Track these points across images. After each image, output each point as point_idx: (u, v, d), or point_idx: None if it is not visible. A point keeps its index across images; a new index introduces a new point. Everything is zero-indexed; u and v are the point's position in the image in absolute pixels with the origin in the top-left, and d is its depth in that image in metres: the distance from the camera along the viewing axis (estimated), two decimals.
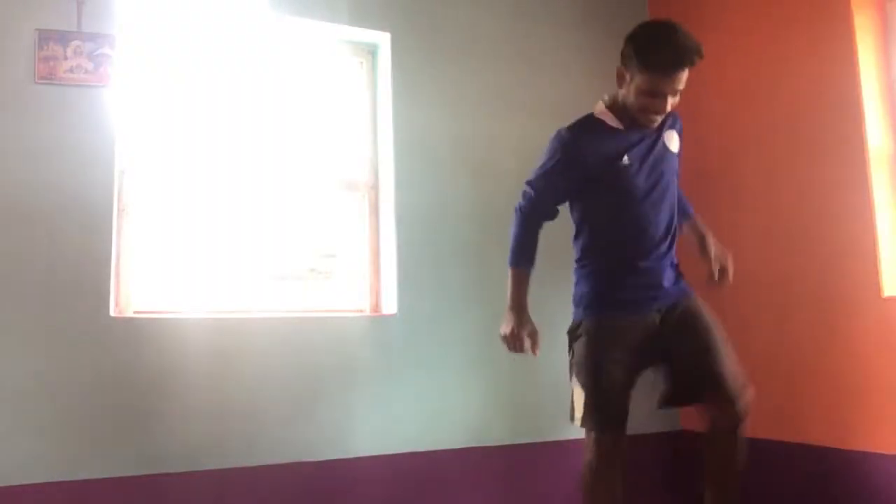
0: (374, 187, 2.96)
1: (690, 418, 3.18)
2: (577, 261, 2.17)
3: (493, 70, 3.09)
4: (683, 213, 2.26)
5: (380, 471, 2.64)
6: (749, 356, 2.87)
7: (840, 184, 2.54)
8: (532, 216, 2.11)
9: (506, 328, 2.08)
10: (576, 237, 2.17)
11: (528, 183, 2.13)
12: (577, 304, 2.15)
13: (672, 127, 2.14)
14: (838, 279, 2.53)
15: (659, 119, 2.03)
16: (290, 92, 2.92)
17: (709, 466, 2.13)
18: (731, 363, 2.07)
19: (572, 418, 2.07)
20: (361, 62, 3.04)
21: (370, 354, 2.71)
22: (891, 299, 2.38)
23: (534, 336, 2.08)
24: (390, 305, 2.82)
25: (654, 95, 1.94)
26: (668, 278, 2.10)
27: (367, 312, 2.87)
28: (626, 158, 2.02)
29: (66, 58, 2.40)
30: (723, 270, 2.18)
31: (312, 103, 2.95)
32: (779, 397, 2.76)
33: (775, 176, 2.80)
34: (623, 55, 2.00)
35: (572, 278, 2.17)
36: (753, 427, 2.85)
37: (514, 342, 2.08)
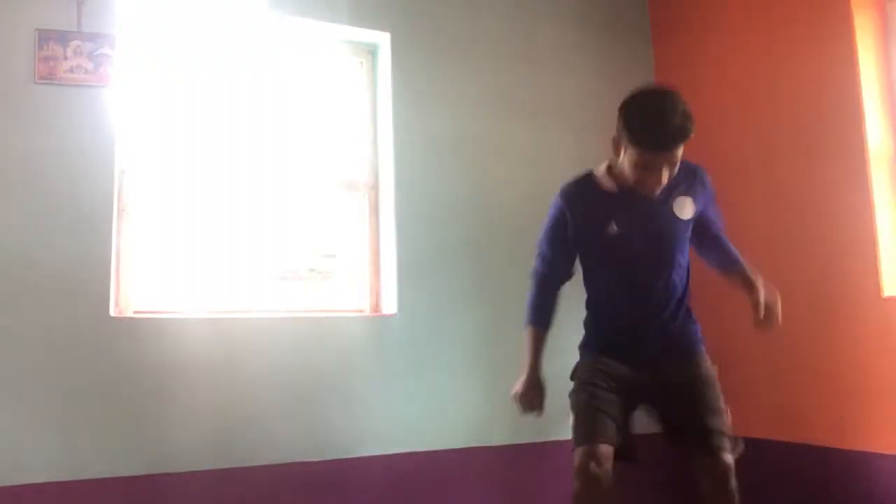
0: (374, 187, 2.96)
1: None
2: (586, 305, 2.19)
3: (493, 70, 3.09)
4: (731, 263, 2.18)
5: (380, 471, 2.64)
6: (749, 356, 2.88)
7: (840, 184, 2.54)
8: (544, 278, 2.14)
9: (517, 388, 2.13)
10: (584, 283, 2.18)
11: (537, 246, 2.15)
12: (579, 348, 2.23)
13: (687, 192, 2.01)
14: (838, 279, 2.53)
15: (658, 190, 1.92)
16: (290, 92, 2.92)
17: None
18: (718, 422, 2.03)
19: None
20: (361, 62, 3.04)
21: (370, 354, 2.71)
22: (891, 299, 2.38)
23: (542, 396, 2.16)
24: (390, 305, 2.82)
25: (648, 169, 1.85)
26: (668, 347, 2.06)
27: (367, 312, 2.87)
28: (613, 225, 1.97)
29: (66, 58, 2.40)
30: (769, 314, 2.08)
31: (312, 103, 2.95)
32: (779, 397, 2.76)
33: (775, 176, 2.80)
34: (617, 124, 1.91)
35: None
36: (753, 427, 2.85)
37: (523, 403, 2.13)
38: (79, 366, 2.31)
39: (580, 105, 3.23)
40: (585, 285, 2.15)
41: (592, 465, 1.90)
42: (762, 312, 2.07)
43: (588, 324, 2.19)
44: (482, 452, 2.81)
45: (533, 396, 2.11)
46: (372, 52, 3.04)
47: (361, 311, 2.87)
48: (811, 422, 2.62)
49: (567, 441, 2.89)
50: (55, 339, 2.30)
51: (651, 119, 1.82)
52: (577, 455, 1.97)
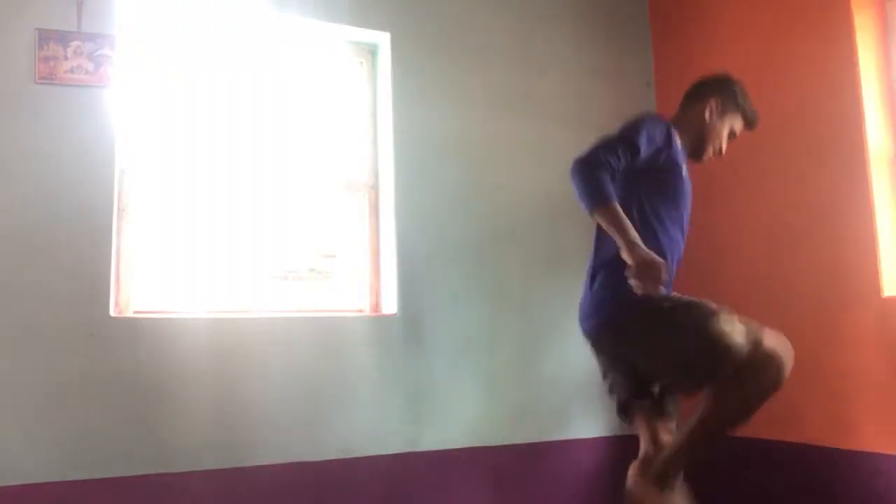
0: (374, 187, 2.96)
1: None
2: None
3: (494, 70, 3.09)
4: None
5: (380, 471, 2.64)
6: None
7: (840, 184, 2.54)
8: (611, 169, 1.93)
9: (644, 257, 1.82)
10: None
11: (618, 138, 1.99)
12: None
13: None
14: (838, 279, 2.53)
15: (711, 158, 2.27)
16: (290, 92, 2.92)
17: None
18: None
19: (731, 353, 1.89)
20: (361, 62, 3.04)
21: (370, 354, 2.71)
22: (891, 299, 2.38)
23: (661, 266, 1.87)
24: (390, 305, 2.82)
25: (732, 136, 2.26)
26: None
27: (367, 312, 2.87)
28: (684, 171, 2.20)
29: (66, 58, 2.40)
30: None
31: (313, 103, 2.95)
32: (778, 397, 2.76)
33: (775, 176, 2.80)
34: (719, 93, 2.22)
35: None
36: (753, 427, 2.85)
37: (650, 277, 1.82)
38: (79, 366, 2.31)
39: (580, 104, 3.23)
40: (644, 218, 2.06)
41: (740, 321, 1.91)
42: None
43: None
44: (482, 452, 2.81)
45: (658, 267, 1.82)
46: (372, 52, 3.04)
47: (361, 311, 2.87)
48: (811, 422, 2.62)
49: (567, 441, 2.91)
50: (55, 338, 2.30)
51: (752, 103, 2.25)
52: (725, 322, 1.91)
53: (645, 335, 2.02)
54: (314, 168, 2.90)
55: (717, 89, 2.25)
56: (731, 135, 2.26)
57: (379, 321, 2.79)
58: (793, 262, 2.71)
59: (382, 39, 2.96)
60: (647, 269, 1.81)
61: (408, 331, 2.78)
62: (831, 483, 2.52)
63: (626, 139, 2.00)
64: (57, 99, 2.39)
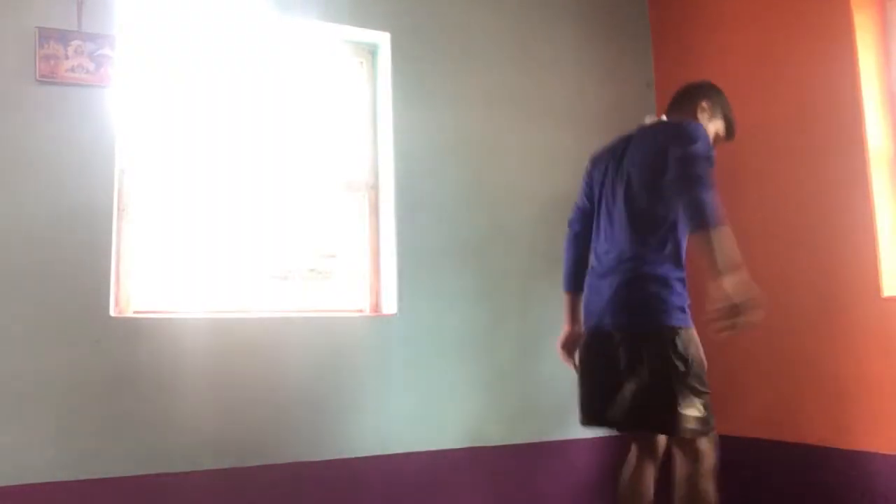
0: (374, 187, 2.96)
1: None
2: (668, 263, 2.05)
3: (494, 70, 3.09)
4: None
5: (380, 471, 2.64)
6: (749, 356, 2.88)
7: (840, 184, 2.54)
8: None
9: (753, 300, 1.78)
10: (664, 242, 2.07)
11: (705, 163, 1.96)
12: (678, 308, 2.04)
13: None
14: (838, 279, 2.53)
15: None
16: (290, 92, 2.92)
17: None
18: None
19: (683, 430, 1.96)
20: (361, 62, 3.04)
21: (370, 354, 2.71)
22: (891, 299, 2.38)
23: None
24: (390, 305, 2.82)
25: (717, 144, 2.24)
26: None
27: (367, 312, 2.87)
28: None
29: (66, 57, 2.40)
30: None
31: (312, 103, 2.95)
32: (778, 397, 2.76)
33: (775, 176, 2.80)
34: (710, 96, 2.29)
35: (668, 279, 2.04)
36: (753, 427, 2.86)
37: (751, 317, 1.77)
38: (79, 366, 2.31)
39: (580, 105, 3.24)
40: (671, 242, 2.07)
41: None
42: None
43: (683, 285, 2.07)
44: (482, 452, 2.81)
45: (758, 313, 1.76)
46: (372, 52, 3.04)
47: (361, 311, 2.87)
48: (811, 422, 2.62)
49: (567, 441, 2.91)
50: (55, 338, 2.30)
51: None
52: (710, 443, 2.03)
53: (666, 366, 1.97)
54: (314, 168, 2.90)
55: (707, 93, 2.28)
56: (716, 139, 2.26)
57: (379, 321, 2.79)
58: (792, 263, 2.71)
59: (382, 39, 2.96)
60: (749, 310, 1.72)
61: (408, 331, 2.78)
62: (831, 483, 2.52)
63: (711, 159, 1.98)
64: (57, 98, 2.39)
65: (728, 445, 2.95)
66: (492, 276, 2.94)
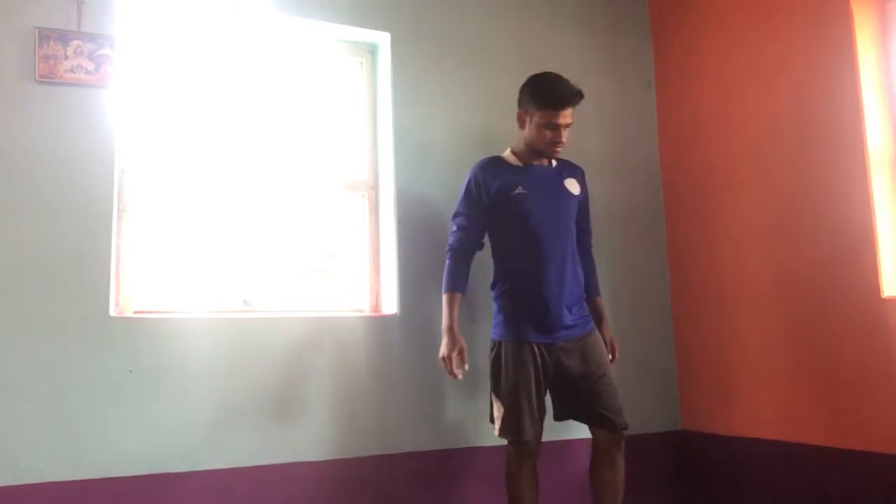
0: (374, 187, 2.96)
1: (691, 418, 3.18)
2: (492, 287, 2.52)
3: (494, 70, 3.09)
4: (594, 289, 2.63)
5: (380, 471, 2.64)
6: (748, 356, 2.88)
7: (840, 184, 2.54)
8: (457, 248, 2.47)
9: (441, 351, 2.40)
10: (494, 265, 2.54)
11: (452, 220, 2.52)
12: (494, 325, 2.49)
13: (572, 175, 2.55)
14: (838, 279, 2.53)
15: (560, 150, 2.44)
16: (289, 92, 2.91)
17: (592, 480, 2.48)
18: (613, 398, 2.42)
19: (493, 428, 2.43)
20: (361, 62, 3.04)
21: (370, 354, 2.71)
22: (891, 299, 2.38)
23: (461, 354, 2.39)
24: (390, 305, 2.82)
25: (552, 128, 2.39)
26: (569, 314, 2.41)
27: (367, 312, 2.87)
28: (520, 188, 2.41)
29: (66, 57, 2.40)
30: (614, 358, 2.57)
31: (312, 103, 2.95)
32: (779, 397, 2.76)
33: (775, 176, 2.80)
34: (521, 101, 2.48)
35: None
36: (753, 427, 2.86)
37: (446, 364, 2.38)
38: (78, 365, 2.31)
39: (580, 105, 3.22)
40: (494, 264, 2.52)
41: (518, 458, 2.41)
42: (613, 350, 2.58)
43: (500, 302, 2.48)
44: (482, 452, 2.81)
45: (454, 356, 2.38)
46: (372, 52, 3.04)
47: (361, 311, 2.87)
48: (811, 422, 2.62)
49: (567, 441, 2.91)
50: (55, 338, 2.30)
51: (552, 84, 2.43)
52: (509, 447, 2.43)
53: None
54: (314, 168, 2.90)
55: (519, 102, 2.50)
56: (548, 125, 2.39)
57: (379, 321, 2.79)
58: (792, 263, 2.71)
59: (382, 39, 2.96)
60: (441, 361, 2.44)
61: (408, 331, 2.78)
62: (831, 483, 2.52)
63: (453, 221, 2.58)
64: (57, 98, 2.39)
65: (728, 445, 2.96)
66: (491, 276, 2.93)
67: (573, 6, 3.31)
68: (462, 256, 2.47)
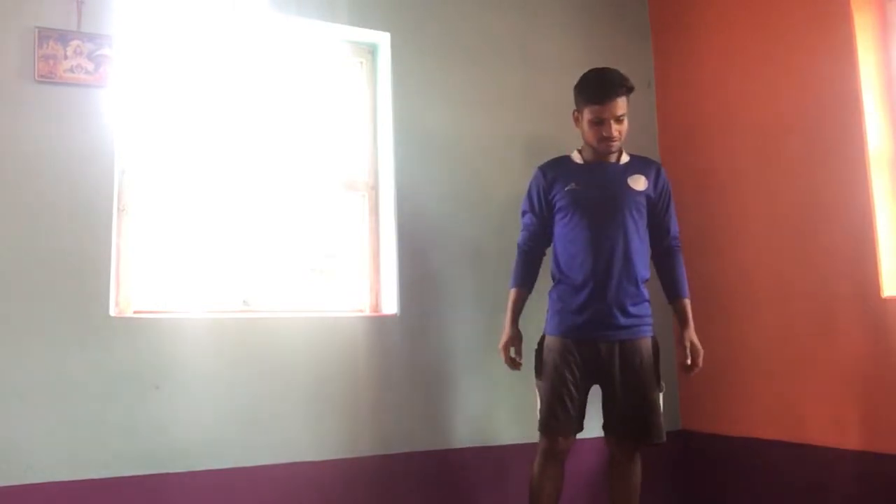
0: (374, 187, 2.96)
1: (691, 418, 3.18)
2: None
3: (494, 70, 3.09)
4: (678, 289, 2.50)
5: (380, 471, 2.64)
6: (748, 356, 2.88)
7: (840, 184, 2.53)
8: (520, 245, 2.54)
9: (500, 343, 2.45)
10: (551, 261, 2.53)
11: (521, 217, 2.57)
12: (546, 319, 2.46)
13: (641, 172, 2.44)
14: (838, 279, 2.53)
15: (615, 145, 2.38)
16: (289, 92, 2.91)
17: (611, 492, 2.48)
18: (636, 410, 2.34)
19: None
20: (361, 62, 3.04)
21: (370, 354, 2.71)
22: (891, 299, 2.38)
23: (508, 346, 2.42)
24: (390, 305, 2.82)
25: (599, 123, 2.34)
26: (622, 313, 2.32)
27: (367, 312, 2.87)
28: (573, 184, 2.40)
29: (66, 57, 2.40)
30: (695, 360, 2.40)
31: (312, 103, 2.95)
32: (779, 397, 2.76)
33: (775, 176, 2.80)
34: (575, 100, 2.46)
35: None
36: (753, 427, 2.86)
37: (502, 354, 2.43)
38: (79, 365, 2.31)
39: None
40: (552, 259, 2.49)
41: (544, 454, 2.40)
42: (690, 356, 2.40)
43: (552, 297, 2.46)
44: (483, 452, 2.81)
45: (509, 347, 2.42)
46: (372, 52, 3.04)
47: (361, 311, 2.87)
48: (811, 421, 2.62)
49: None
50: (55, 338, 2.30)
51: (594, 77, 2.40)
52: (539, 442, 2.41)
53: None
54: (314, 168, 2.90)
55: (575, 102, 2.47)
56: (595, 120, 2.35)
57: (379, 321, 2.79)
58: (793, 263, 2.71)
59: (382, 39, 2.96)
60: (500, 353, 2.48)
61: (408, 331, 2.78)
62: (831, 483, 2.52)
63: (522, 220, 2.65)
64: (57, 98, 2.39)
65: (729, 445, 2.96)
66: (492, 276, 2.94)
67: (573, 6, 3.31)
68: (524, 254, 2.51)
